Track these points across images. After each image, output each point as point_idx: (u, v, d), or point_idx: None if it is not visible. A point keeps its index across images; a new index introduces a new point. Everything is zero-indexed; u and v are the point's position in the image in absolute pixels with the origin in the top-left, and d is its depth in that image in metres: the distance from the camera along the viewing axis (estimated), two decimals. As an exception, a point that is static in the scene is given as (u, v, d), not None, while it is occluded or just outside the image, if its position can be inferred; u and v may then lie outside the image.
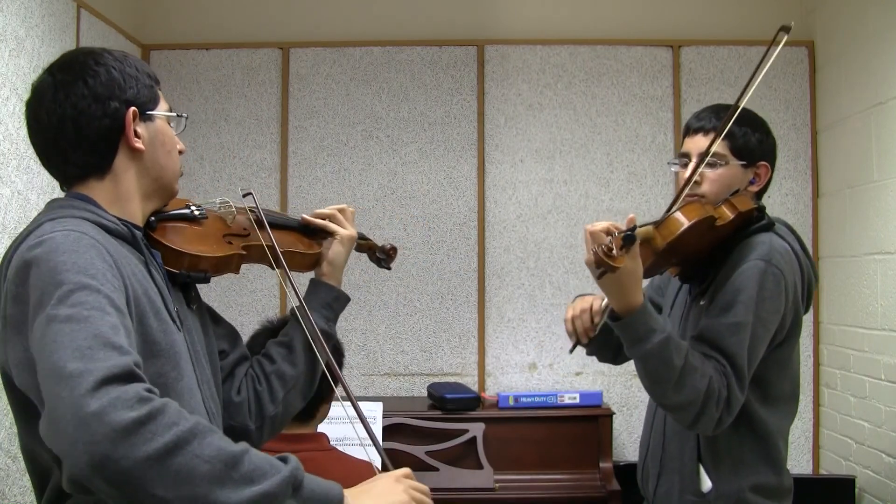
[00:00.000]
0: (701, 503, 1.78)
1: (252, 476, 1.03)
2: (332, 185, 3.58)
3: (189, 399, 1.28)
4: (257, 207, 1.56)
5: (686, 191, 1.77)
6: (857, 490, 3.04)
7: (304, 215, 1.66)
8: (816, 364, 3.42)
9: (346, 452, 2.13)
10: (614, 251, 1.51)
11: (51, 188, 2.67)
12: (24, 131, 2.50)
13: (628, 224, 1.58)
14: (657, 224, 1.69)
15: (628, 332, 1.64)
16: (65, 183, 1.35)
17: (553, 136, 3.59)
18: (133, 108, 1.30)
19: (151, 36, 3.58)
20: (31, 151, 2.52)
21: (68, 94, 1.27)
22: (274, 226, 1.58)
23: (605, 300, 1.82)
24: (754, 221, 1.78)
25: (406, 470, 1.33)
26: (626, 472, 3.10)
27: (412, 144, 3.59)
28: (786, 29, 1.70)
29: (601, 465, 3.05)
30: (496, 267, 3.57)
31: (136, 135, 1.32)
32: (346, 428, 2.92)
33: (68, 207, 1.26)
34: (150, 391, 1.02)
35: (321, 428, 2.13)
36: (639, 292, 1.62)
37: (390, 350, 3.55)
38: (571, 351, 1.94)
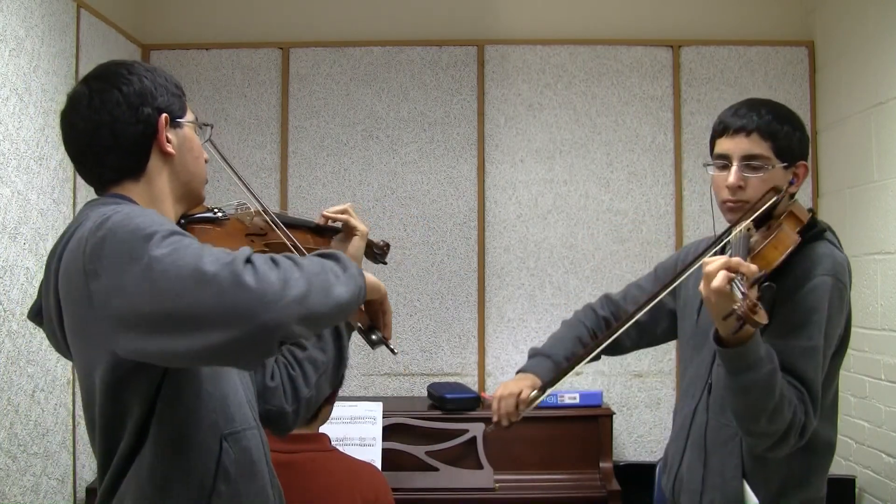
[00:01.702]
0: None
1: (335, 270, 1.23)
2: (332, 185, 3.58)
3: (226, 382, 1.37)
4: (265, 209, 1.60)
5: (733, 197, 1.71)
6: (857, 490, 3.04)
7: (326, 213, 1.72)
8: (816, 364, 3.42)
9: (347, 453, 2.14)
10: (759, 307, 1.40)
11: (51, 188, 2.67)
12: (24, 131, 2.52)
13: (748, 271, 1.45)
14: (752, 256, 1.58)
15: (737, 362, 1.54)
16: (100, 187, 1.40)
17: (553, 136, 3.59)
18: (165, 115, 1.38)
19: (151, 36, 3.58)
20: (30, 151, 2.54)
21: (104, 101, 1.34)
22: (287, 225, 1.64)
23: (535, 392, 1.86)
24: (808, 227, 1.70)
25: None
26: (626, 472, 3.10)
27: (412, 144, 3.59)
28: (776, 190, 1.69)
29: (601, 465, 3.05)
30: (496, 267, 3.57)
31: (168, 140, 1.39)
32: (347, 428, 2.93)
33: (111, 204, 1.31)
34: (266, 256, 1.17)
35: (322, 429, 2.14)
36: None
37: (390, 350, 3.54)
38: (487, 430, 1.97)
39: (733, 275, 1.44)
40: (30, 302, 2.49)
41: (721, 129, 1.77)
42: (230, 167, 1.58)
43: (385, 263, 1.93)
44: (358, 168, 3.58)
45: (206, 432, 1.30)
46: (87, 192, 2.92)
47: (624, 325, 1.80)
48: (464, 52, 3.60)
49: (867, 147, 3.05)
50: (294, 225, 1.69)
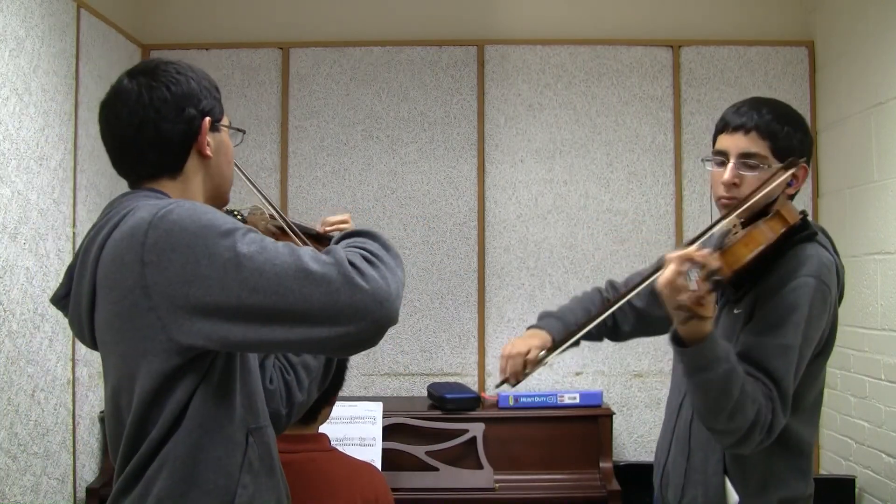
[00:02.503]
0: None
1: (387, 244, 1.32)
2: (332, 185, 3.58)
3: (254, 379, 1.43)
4: (278, 213, 1.64)
5: (724, 194, 1.72)
6: (857, 490, 3.05)
7: (326, 227, 1.77)
8: (816, 364, 3.42)
9: (346, 453, 2.14)
10: (705, 299, 1.44)
11: (51, 188, 2.67)
12: (24, 131, 2.52)
13: (702, 261, 1.48)
14: (722, 251, 1.61)
15: (693, 360, 1.57)
16: (135, 180, 1.43)
17: (553, 136, 3.59)
18: (208, 118, 1.42)
19: (151, 36, 3.58)
20: (30, 151, 2.54)
21: (152, 98, 1.36)
22: (294, 231, 1.67)
23: (543, 351, 1.86)
24: (798, 230, 1.70)
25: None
26: (626, 472, 3.10)
27: (412, 144, 3.59)
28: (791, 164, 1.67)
29: (601, 465, 3.05)
30: (496, 267, 3.57)
31: (207, 143, 1.42)
32: (347, 428, 2.93)
33: (153, 198, 1.35)
34: (356, 253, 1.26)
35: (322, 428, 2.13)
36: (709, 321, 1.55)
37: (390, 350, 3.55)
38: (497, 387, 1.96)
39: (688, 266, 1.46)
40: (30, 302, 2.50)
41: (722, 126, 1.78)
42: (245, 176, 1.61)
43: None
44: (358, 168, 3.58)
45: (236, 425, 1.34)
46: (86, 193, 2.92)
47: (632, 292, 1.77)
48: (464, 52, 3.60)
49: (867, 147, 3.05)
50: (304, 233, 1.71)
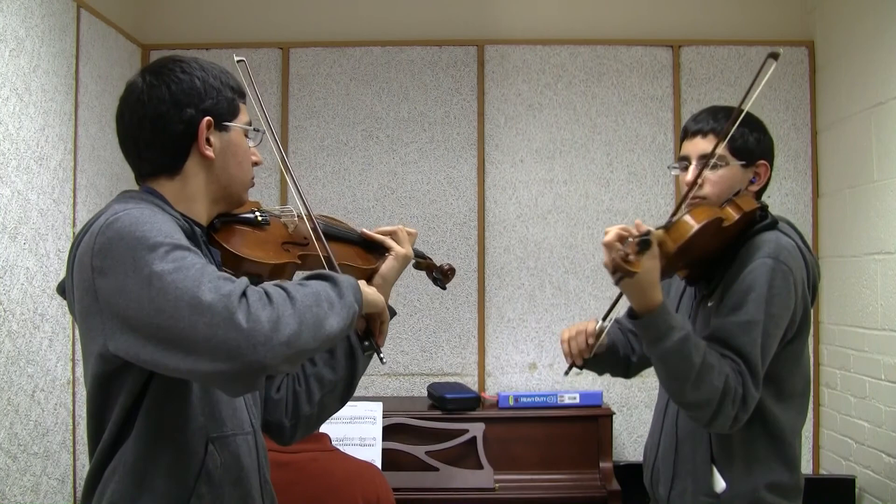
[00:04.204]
0: None
1: (331, 300, 1.27)
2: (332, 185, 3.58)
3: None
4: (312, 216, 1.57)
5: (690, 194, 1.79)
6: (857, 490, 3.05)
7: (364, 230, 1.70)
8: (817, 364, 3.42)
9: (347, 453, 2.14)
10: (631, 257, 1.55)
11: (51, 188, 2.67)
12: (24, 132, 2.52)
13: (638, 230, 1.62)
14: (667, 227, 1.70)
15: (649, 331, 1.66)
16: (139, 177, 1.42)
17: (553, 136, 3.59)
18: (208, 118, 1.38)
19: (151, 36, 3.58)
20: (30, 151, 2.54)
21: (151, 96, 1.35)
22: (333, 237, 1.61)
23: (600, 323, 1.87)
24: (758, 221, 1.78)
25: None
26: (626, 472, 3.10)
27: (412, 144, 3.59)
28: (774, 56, 1.69)
29: (601, 465, 3.05)
30: (496, 267, 3.57)
31: (209, 143, 1.39)
32: (347, 428, 2.93)
33: (138, 199, 1.35)
34: (260, 290, 1.21)
35: (322, 429, 2.13)
36: (658, 292, 1.65)
37: (390, 350, 3.54)
38: (567, 373, 1.94)
39: (625, 234, 1.62)
40: (30, 302, 2.50)
41: (683, 135, 1.91)
42: (290, 173, 1.59)
43: (444, 289, 1.92)
44: (358, 168, 3.58)
45: (192, 433, 1.31)
46: (86, 193, 2.92)
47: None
48: (464, 52, 3.60)
49: (867, 147, 3.05)
50: (341, 237, 1.65)
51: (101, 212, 1.31)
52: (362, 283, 1.40)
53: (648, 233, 1.61)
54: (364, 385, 3.53)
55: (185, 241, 1.23)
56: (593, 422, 3.08)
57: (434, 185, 3.58)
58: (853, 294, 3.13)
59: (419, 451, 2.96)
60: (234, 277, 1.21)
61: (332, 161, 3.59)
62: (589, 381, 3.50)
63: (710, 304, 1.81)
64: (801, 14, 3.58)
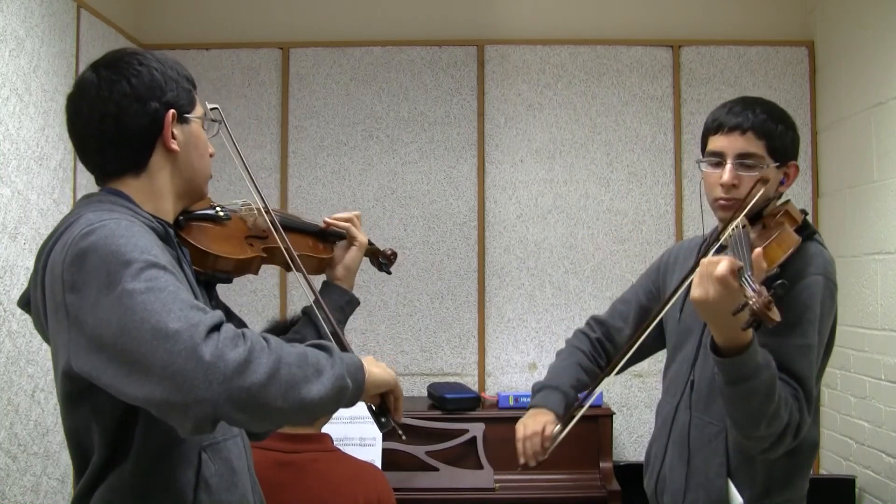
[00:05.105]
0: None
1: (319, 367, 1.19)
2: (332, 185, 3.58)
3: None
4: (268, 209, 1.56)
5: (724, 195, 1.70)
6: (857, 490, 3.05)
7: (327, 218, 1.70)
8: (816, 364, 3.42)
9: (348, 453, 2.14)
10: (773, 304, 1.33)
11: (51, 188, 2.67)
12: (24, 131, 2.52)
13: (760, 265, 1.43)
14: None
15: (735, 371, 1.51)
16: (101, 178, 1.38)
17: (553, 136, 3.59)
18: (172, 111, 1.34)
19: (151, 36, 3.58)
20: (30, 151, 2.54)
21: (112, 91, 1.30)
22: (290, 229, 1.61)
23: (558, 426, 1.84)
24: (802, 227, 1.69)
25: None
26: (626, 472, 3.10)
27: (412, 144, 3.59)
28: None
29: (601, 465, 3.05)
30: (496, 267, 3.57)
31: (173, 136, 1.35)
32: (347, 428, 2.92)
33: (106, 203, 1.30)
34: (236, 330, 1.15)
35: (323, 429, 2.14)
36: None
37: (390, 350, 3.54)
38: (520, 470, 1.91)
39: (740, 266, 1.41)
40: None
41: (715, 127, 1.76)
42: (244, 165, 1.55)
43: (389, 273, 1.93)
44: (358, 168, 3.58)
45: (186, 445, 1.29)
46: (86, 193, 2.92)
47: (631, 348, 1.77)
48: (464, 52, 3.60)
49: (867, 147, 3.05)
50: (297, 228, 1.66)
51: (70, 219, 1.26)
52: (370, 362, 1.34)
53: (780, 275, 1.46)
54: (364, 385, 3.53)
55: (161, 259, 1.18)
56: (593, 422, 3.08)
57: (434, 185, 3.58)
58: (853, 294, 3.13)
59: (419, 451, 2.96)
60: (207, 308, 1.15)
61: (332, 161, 3.58)
62: (589, 381, 3.50)
63: None
64: (801, 14, 3.58)
